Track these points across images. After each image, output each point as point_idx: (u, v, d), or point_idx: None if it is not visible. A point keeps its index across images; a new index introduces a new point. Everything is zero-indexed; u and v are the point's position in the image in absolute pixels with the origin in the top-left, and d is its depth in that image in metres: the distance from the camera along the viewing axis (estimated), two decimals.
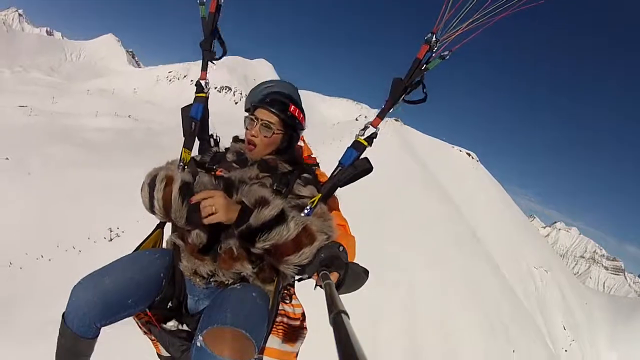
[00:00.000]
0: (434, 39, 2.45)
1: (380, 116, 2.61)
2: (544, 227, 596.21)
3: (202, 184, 2.44)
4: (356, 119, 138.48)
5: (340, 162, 2.59)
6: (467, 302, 47.79)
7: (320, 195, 2.48)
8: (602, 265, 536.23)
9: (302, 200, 2.49)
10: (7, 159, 43.98)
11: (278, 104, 2.65)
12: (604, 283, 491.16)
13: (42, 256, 29.83)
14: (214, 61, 3.08)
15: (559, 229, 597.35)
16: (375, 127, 2.62)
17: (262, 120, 2.61)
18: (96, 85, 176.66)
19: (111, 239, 35.10)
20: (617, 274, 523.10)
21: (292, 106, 2.69)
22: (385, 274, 43.49)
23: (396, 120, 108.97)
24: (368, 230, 48.89)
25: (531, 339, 55.32)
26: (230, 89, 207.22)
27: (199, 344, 1.91)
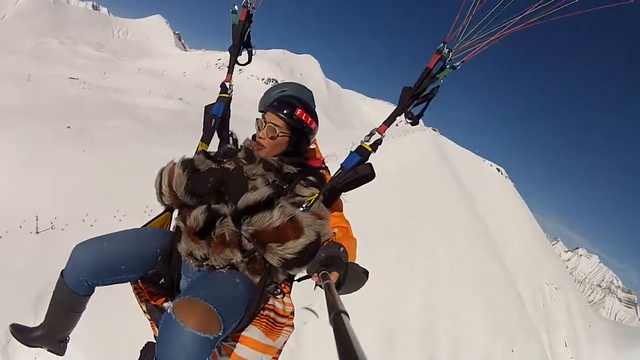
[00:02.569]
0: (445, 49, 2.54)
1: (387, 123, 2.72)
2: (566, 252, 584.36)
3: (206, 164, 2.81)
4: (396, 125, 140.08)
5: (341, 165, 2.68)
6: (477, 298, 52.73)
7: (317, 194, 2.59)
8: (617, 296, 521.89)
9: (301, 198, 2.60)
10: (68, 127, 45.25)
11: (285, 108, 2.81)
12: (616, 314, 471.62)
13: (116, 214, 32.61)
14: (240, 66, 3.39)
15: (580, 255, 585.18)
16: (381, 134, 2.68)
17: (269, 123, 2.79)
18: (146, 64, 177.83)
19: None
20: (630, 307, 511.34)
21: (299, 110, 2.82)
22: (414, 259, 48.68)
23: (434, 129, 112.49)
24: (404, 220, 54.00)
25: (532, 345, 58.79)
26: (276, 81, 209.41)
27: (169, 311, 2.03)
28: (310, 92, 3.21)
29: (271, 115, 2.82)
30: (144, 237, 2.72)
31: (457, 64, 2.54)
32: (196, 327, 1.91)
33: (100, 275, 2.52)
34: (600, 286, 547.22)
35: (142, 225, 2.97)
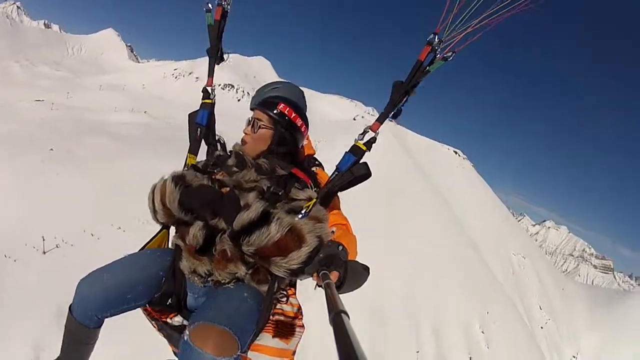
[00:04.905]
0: (436, 40, 2.48)
1: (380, 120, 2.70)
2: (534, 225, 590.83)
3: (198, 179, 2.69)
4: (354, 119, 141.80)
5: (337, 167, 2.67)
6: (451, 272, 56.76)
7: (314, 200, 2.58)
8: (591, 263, 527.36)
9: (298, 203, 2.59)
10: (51, 149, 44.85)
11: (269, 104, 2.85)
12: (592, 281, 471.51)
13: (120, 227, 33.58)
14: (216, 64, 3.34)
15: (549, 227, 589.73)
16: (375, 132, 2.69)
17: (254, 119, 2.84)
18: (105, 80, 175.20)
19: None
20: (606, 273, 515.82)
21: (282, 104, 2.82)
22: (392, 243, 52.38)
23: (390, 120, 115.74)
24: (378, 211, 57.52)
25: (506, 309, 62.58)
26: (233, 86, 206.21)
27: (185, 338, 2.04)
28: (300, 90, 3.20)
29: (257, 111, 2.88)
30: (145, 262, 2.69)
31: (449, 54, 2.53)
32: (215, 352, 1.98)
33: (108, 307, 2.52)
34: (573, 255, 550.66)
35: (140, 247, 2.95)
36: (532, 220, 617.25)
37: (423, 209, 66.70)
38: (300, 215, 2.46)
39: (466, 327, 52.47)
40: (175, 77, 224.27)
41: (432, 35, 2.50)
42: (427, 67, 2.56)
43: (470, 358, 50.55)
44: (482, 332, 53.55)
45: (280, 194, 2.58)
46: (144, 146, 57.13)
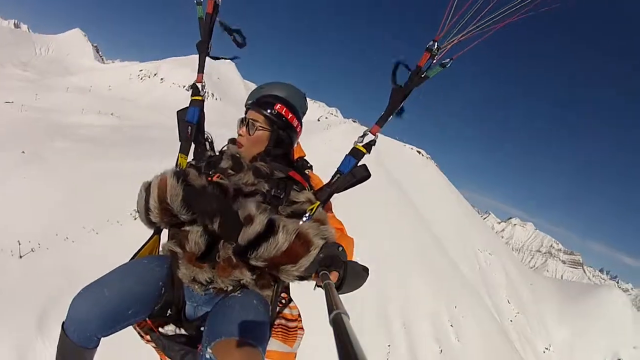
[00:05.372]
0: (435, 46, 2.54)
1: (380, 124, 2.70)
2: (499, 223, 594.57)
3: (200, 181, 2.53)
4: (318, 120, 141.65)
5: (338, 170, 2.70)
6: (417, 267, 56.92)
7: (318, 203, 2.56)
8: (560, 259, 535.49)
9: (299, 206, 2.56)
10: (23, 152, 44.68)
11: (265, 104, 2.80)
12: (562, 276, 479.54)
13: (92, 229, 33.54)
14: (237, 54, 3.17)
15: (515, 224, 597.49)
16: (374, 135, 2.71)
17: (249, 119, 2.77)
18: (72, 81, 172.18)
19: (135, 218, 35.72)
20: (576, 267, 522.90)
21: (278, 104, 2.79)
22: (359, 241, 52.78)
23: (354, 121, 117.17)
24: (344, 209, 58.12)
25: (474, 302, 62.99)
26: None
27: (208, 356, 1.96)
28: (298, 91, 3.14)
29: (251, 112, 2.83)
30: (143, 272, 2.51)
31: (447, 61, 2.59)
32: None
33: (108, 325, 2.30)
34: (540, 251, 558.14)
35: (132, 255, 2.77)
36: (498, 218, 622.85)
37: (387, 207, 66.83)
38: (304, 219, 2.44)
39: (435, 321, 53.14)
40: (141, 79, 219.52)
41: (431, 42, 2.59)
42: (425, 73, 2.64)
43: (441, 351, 51.39)
44: (451, 325, 54.38)
45: (281, 197, 2.57)
46: (111, 148, 54.47)
